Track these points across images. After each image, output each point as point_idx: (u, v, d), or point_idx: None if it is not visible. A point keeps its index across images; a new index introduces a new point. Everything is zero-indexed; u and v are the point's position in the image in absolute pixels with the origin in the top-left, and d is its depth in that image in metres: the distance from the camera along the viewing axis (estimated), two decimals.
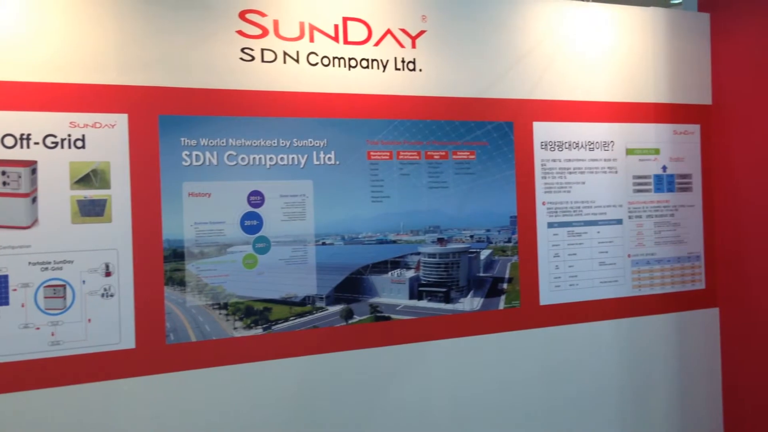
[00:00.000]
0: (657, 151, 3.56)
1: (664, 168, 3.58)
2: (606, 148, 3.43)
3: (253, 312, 2.76)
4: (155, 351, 2.61)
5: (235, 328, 2.73)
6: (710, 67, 3.68)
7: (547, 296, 3.30)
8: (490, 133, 3.17)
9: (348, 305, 2.92)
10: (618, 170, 3.47)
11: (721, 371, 3.70)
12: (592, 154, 3.40)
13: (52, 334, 2.47)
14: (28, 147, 2.43)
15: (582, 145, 3.38)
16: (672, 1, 6.01)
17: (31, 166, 2.43)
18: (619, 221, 3.47)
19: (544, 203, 3.30)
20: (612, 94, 3.44)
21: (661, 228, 3.57)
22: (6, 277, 2.41)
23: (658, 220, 3.57)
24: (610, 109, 3.44)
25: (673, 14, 3.60)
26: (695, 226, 3.66)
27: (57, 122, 2.47)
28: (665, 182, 3.58)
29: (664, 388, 3.57)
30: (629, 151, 3.49)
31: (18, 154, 2.42)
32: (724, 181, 3.63)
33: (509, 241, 3.22)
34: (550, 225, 3.31)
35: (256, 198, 2.77)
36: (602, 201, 3.43)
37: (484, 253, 3.17)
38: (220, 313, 2.71)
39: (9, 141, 2.40)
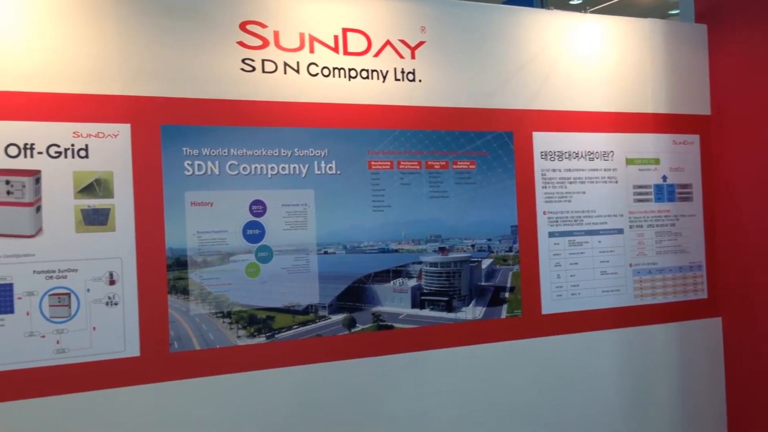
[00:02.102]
0: (657, 161, 3.58)
1: (665, 178, 3.60)
2: (606, 158, 3.46)
3: (257, 320, 2.77)
4: (159, 359, 2.62)
5: (238, 337, 2.74)
6: (708, 77, 3.71)
7: (549, 305, 3.31)
8: (490, 143, 3.20)
9: (350, 314, 2.93)
10: (618, 180, 3.49)
11: (725, 381, 3.69)
12: (592, 164, 3.43)
13: (57, 342, 2.48)
14: (32, 156, 2.46)
15: (582, 155, 3.41)
16: (670, 12, 6.07)
17: (35, 175, 2.46)
18: (620, 231, 3.48)
19: (544, 213, 3.32)
20: (611, 104, 3.47)
21: (662, 237, 3.58)
22: (11, 285, 2.43)
23: (659, 229, 3.58)
24: (610, 120, 3.46)
25: (671, 25, 3.64)
26: (696, 236, 3.68)
27: (60, 132, 2.50)
28: (665, 192, 3.60)
29: (666, 398, 3.55)
30: (629, 161, 3.51)
31: (22, 163, 2.45)
32: (725, 190, 3.65)
33: (510, 250, 3.23)
34: (551, 234, 3.33)
35: (258, 207, 2.79)
36: (603, 210, 3.44)
37: (486, 263, 3.19)
38: (223, 322, 2.72)
39: (13, 150, 2.43)
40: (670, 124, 3.61)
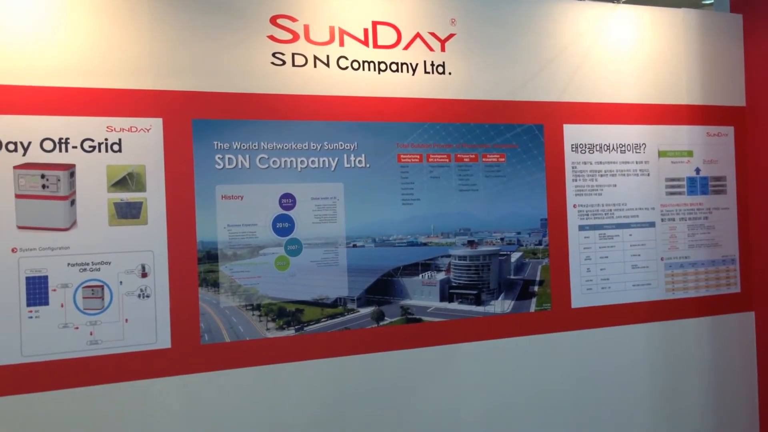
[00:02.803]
0: (690, 153, 3.54)
1: (698, 170, 3.55)
2: (637, 151, 3.42)
3: (286, 313, 2.79)
4: (190, 351, 2.65)
5: (267, 329, 2.76)
6: (743, 68, 3.64)
7: (579, 299, 3.29)
8: (520, 136, 3.18)
9: (379, 307, 2.94)
10: (650, 173, 3.45)
11: (757, 376, 3.65)
12: (623, 156, 3.39)
13: (91, 334, 2.53)
14: (66, 151, 2.50)
15: (613, 148, 3.37)
16: (704, 2, 5.96)
17: (70, 169, 2.50)
18: (652, 224, 3.45)
19: (575, 206, 3.29)
20: (643, 96, 3.43)
21: (695, 231, 3.54)
22: (46, 277, 2.47)
23: (692, 222, 3.54)
24: (642, 111, 3.42)
25: (705, 15, 3.58)
26: (730, 229, 3.63)
27: (94, 127, 2.53)
28: (699, 184, 3.55)
29: (698, 393, 3.52)
30: (661, 153, 3.47)
31: (57, 157, 2.49)
32: (759, 183, 3.59)
33: (540, 243, 3.21)
34: (581, 228, 3.30)
35: (287, 201, 2.81)
36: (634, 204, 3.41)
37: (515, 256, 3.18)
38: (253, 314, 2.75)
39: (48, 145, 2.47)
40: (703, 116, 3.56)
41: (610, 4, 3.39)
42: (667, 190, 3.49)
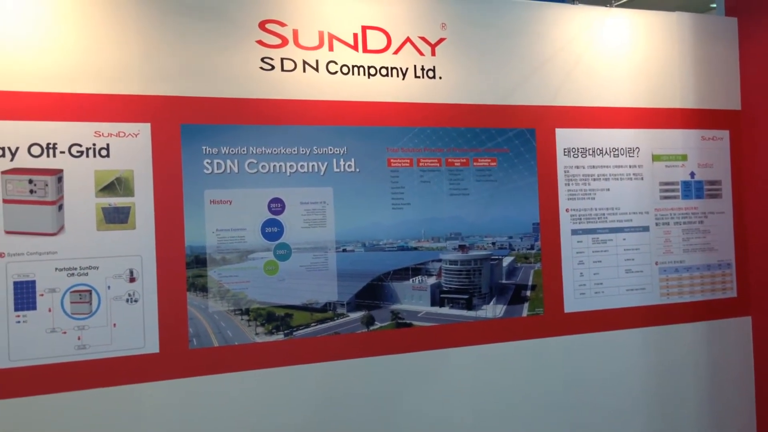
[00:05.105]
0: (684, 157, 3.52)
1: (693, 174, 3.54)
2: (631, 155, 3.41)
3: (275, 318, 2.79)
4: (179, 355, 2.66)
5: (256, 334, 2.76)
6: (739, 72, 3.63)
7: (572, 303, 3.28)
8: (511, 140, 3.17)
9: (369, 312, 2.93)
10: (644, 177, 3.43)
11: (754, 382, 3.62)
12: (616, 160, 3.38)
13: (79, 338, 2.53)
14: (54, 156, 2.50)
15: (606, 152, 3.36)
16: (711, 6, 5.93)
17: (58, 174, 2.50)
18: (646, 228, 3.43)
19: (567, 210, 3.28)
20: (637, 99, 3.42)
21: (690, 235, 3.52)
22: (33, 282, 2.48)
23: (687, 227, 3.52)
24: (635, 115, 3.41)
25: (700, 19, 3.56)
26: (726, 233, 3.61)
27: (82, 132, 2.54)
28: (693, 189, 3.54)
29: (693, 400, 3.50)
30: (655, 158, 3.46)
31: (45, 163, 2.49)
32: (755, 187, 3.57)
33: (532, 248, 3.21)
34: (574, 232, 3.29)
35: (276, 205, 2.81)
36: (627, 208, 3.40)
37: (507, 260, 3.17)
38: (241, 319, 2.75)
39: (36, 150, 2.48)
40: (698, 120, 3.54)
41: (603, 8, 3.39)
42: (662, 194, 3.47)
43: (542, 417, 3.21)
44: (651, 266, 3.44)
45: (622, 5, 3.45)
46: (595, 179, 3.34)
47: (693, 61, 3.53)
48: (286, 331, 2.80)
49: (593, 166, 3.33)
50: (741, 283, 3.62)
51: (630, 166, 3.40)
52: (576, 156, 3.30)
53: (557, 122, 3.26)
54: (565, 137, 3.28)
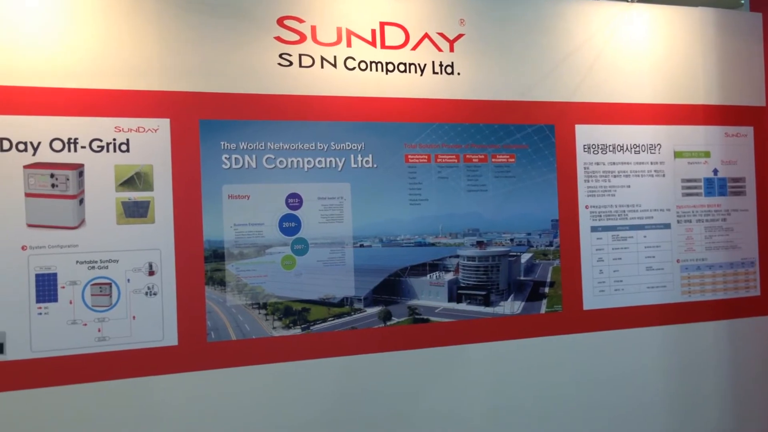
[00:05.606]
0: (707, 154, 3.48)
1: (716, 171, 3.50)
2: (652, 151, 3.38)
3: (292, 312, 2.81)
4: (197, 348, 2.69)
5: (274, 328, 2.79)
6: (764, 67, 3.58)
7: (591, 301, 3.26)
8: (530, 137, 3.16)
9: (386, 307, 2.94)
10: (665, 173, 3.40)
11: None
12: (637, 157, 3.35)
13: (99, 330, 2.57)
14: (75, 151, 2.55)
15: (627, 148, 3.33)
16: (742, 1, 5.85)
17: (79, 169, 2.54)
18: (667, 225, 3.40)
19: (587, 207, 3.26)
20: (658, 95, 3.38)
21: (712, 233, 3.48)
22: (55, 275, 2.52)
23: (709, 224, 3.48)
24: (657, 111, 3.38)
25: (723, 14, 3.52)
26: (749, 231, 3.56)
27: (103, 127, 2.58)
28: (716, 186, 3.50)
29: (713, 399, 3.46)
30: (677, 154, 3.42)
31: (66, 157, 2.54)
32: None
33: (551, 244, 3.19)
34: (594, 229, 3.27)
35: (294, 200, 2.83)
36: (648, 205, 3.37)
37: (525, 257, 3.16)
38: (259, 313, 2.77)
39: (57, 145, 2.52)
40: (721, 116, 3.50)
41: (624, 3, 3.36)
42: (684, 191, 3.44)
43: (560, 414, 3.20)
44: (672, 264, 3.40)
45: (644, 0, 3.42)
46: (615, 176, 3.31)
47: (716, 56, 3.49)
48: (303, 326, 2.82)
49: (613, 163, 3.31)
50: (765, 281, 3.57)
51: (651, 163, 3.37)
52: (596, 152, 3.28)
53: (577, 118, 3.24)
54: (585, 133, 3.26)
